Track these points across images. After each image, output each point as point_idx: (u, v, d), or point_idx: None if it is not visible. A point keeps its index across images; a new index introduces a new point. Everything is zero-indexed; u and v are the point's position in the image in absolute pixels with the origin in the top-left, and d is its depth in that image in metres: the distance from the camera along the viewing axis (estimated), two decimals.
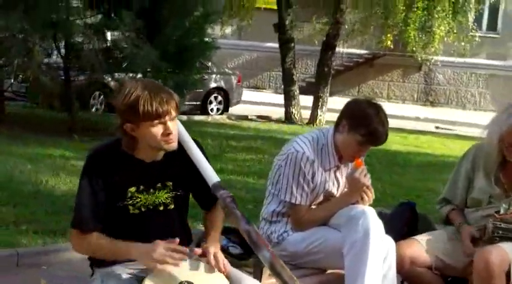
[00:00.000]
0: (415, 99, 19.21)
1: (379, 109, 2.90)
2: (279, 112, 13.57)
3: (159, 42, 8.58)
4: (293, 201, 2.95)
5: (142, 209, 2.36)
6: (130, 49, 8.23)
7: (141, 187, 2.35)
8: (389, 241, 2.84)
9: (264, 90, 19.63)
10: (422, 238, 3.11)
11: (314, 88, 13.24)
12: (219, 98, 13.50)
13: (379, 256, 2.75)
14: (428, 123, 15.69)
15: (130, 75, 8.59)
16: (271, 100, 16.47)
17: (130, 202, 2.34)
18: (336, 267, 2.94)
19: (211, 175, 2.33)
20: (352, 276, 2.72)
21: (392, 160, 9.14)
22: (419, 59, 17.81)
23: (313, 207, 3.03)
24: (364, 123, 2.85)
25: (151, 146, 2.32)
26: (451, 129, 14.86)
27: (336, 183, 3.05)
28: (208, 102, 13.24)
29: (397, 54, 17.82)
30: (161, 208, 2.40)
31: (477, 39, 16.84)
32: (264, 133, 10.84)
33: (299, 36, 15.38)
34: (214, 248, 2.39)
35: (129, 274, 2.34)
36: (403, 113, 16.70)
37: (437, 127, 15.22)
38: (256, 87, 19.09)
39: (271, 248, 2.16)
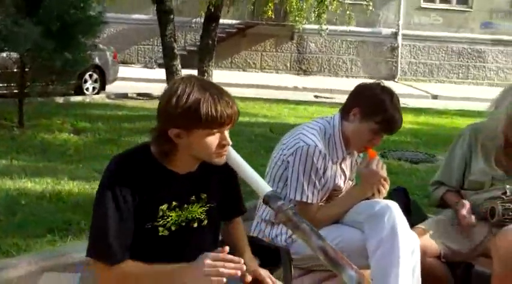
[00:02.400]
0: (289, 68, 19.51)
1: (392, 94, 2.75)
2: (159, 89, 13.03)
3: (41, 18, 7.81)
4: (304, 200, 2.74)
5: (173, 228, 2.04)
6: (10, 26, 7.39)
7: (174, 203, 2.03)
8: (414, 236, 2.72)
9: (132, 65, 18.91)
10: (427, 226, 3.05)
11: (196, 62, 12.90)
12: (95, 76, 12.72)
13: (408, 254, 2.62)
14: (306, 93, 16.00)
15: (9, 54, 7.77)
16: (147, 76, 15.90)
17: (161, 222, 2.02)
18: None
19: (262, 186, 2.05)
20: (382, 277, 2.56)
21: None
22: (292, 28, 18.02)
23: (321, 204, 2.83)
24: (380, 110, 2.69)
25: (196, 157, 2.00)
26: (329, 98, 15.25)
27: (343, 176, 2.88)
28: (83, 81, 12.42)
29: (271, 24, 17.90)
30: (195, 224, 2.10)
31: (347, 6, 17.33)
32: (154, 113, 10.33)
33: (179, 7, 14.86)
34: (263, 271, 2.13)
35: None
36: (280, 83, 16.93)
37: (316, 96, 15.56)
38: (124, 62, 18.28)
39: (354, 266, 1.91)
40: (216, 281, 1.83)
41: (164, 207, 2.00)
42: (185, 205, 2.05)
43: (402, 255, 2.58)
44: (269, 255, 2.50)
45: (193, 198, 2.07)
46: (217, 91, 1.94)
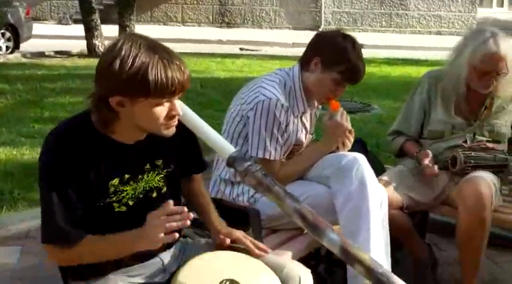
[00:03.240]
0: (211, 21, 19.09)
1: (354, 41, 2.64)
2: (79, 46, 12.52)
3: None
4: (267, 157, 2.61)
5: (130, 203, 1.86)
6: None
7: (127, 176, 1.84)
8: (382, 188, 2.67)
9: (46, 22, 18.01)
10: (389, 178, 3.01)
11: (114, 17, 12.36)
12: (7, 35, 11.98)
13: (378, 206, 2.57)
14: (231, 45, 15.74)
15: None
16: (62, 33, 15.17)
17: (114, 198, 1.83)
18: None
19: (225, 146, 1.89)
20: (353, 231, 2.49)
21: (228, 88, 8.95)
22: None
23: (283, 160, 2.72)
24: (343, 59, 2.58)
25: (141, 128, 1.80)
26: (255, 50, 15.08)
27: (304, 130, 2.78)
28: None
29: None
30: (154, 194, 1.92)
31: None
32: (77, 71, 9.91)
33: None
34: (237, 232, 2.01)
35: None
36: (203, 36, 16.59)
37: (241, 49, 15.34)
38: (37, 19, 17.32)
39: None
40: (165, 238, 1.69)
41: (115, 181, 1.81)
42: (140, 176, 1.86)
43: (372, 208, 2.53)
44: (234, 216, 2.38)
45: (147, 166, 1.88)
46: (167, 54, 1.70)
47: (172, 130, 1.81)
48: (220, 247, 2.08)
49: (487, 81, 2.90)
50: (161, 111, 1.73)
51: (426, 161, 2.93)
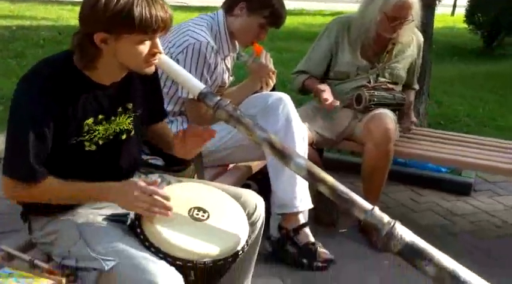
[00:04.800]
0: None
1: None
2: None
3: None
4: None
5: (101, 142, 1.93)
6: None
7: (100, 116, 1.91)
8: (303, 125, 2.92)
9: None
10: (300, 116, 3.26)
11: None
12: None
13: (301, 141, 2.83)
14: None
15: None
16: None
17: (87, 137, 1.89)
18: (248, 159, 2.92)
19: (195, 84, 2.03)
20: (281, 166, 2.73)
21: None
22: None
23: None
24: (267, 4, 2.76)
25: (123, 66, 1.87)
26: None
27: (227, 72, 2.93)
28: None
29: None
30: (123, 136, 2.00)
31: None
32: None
33: None
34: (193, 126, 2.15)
35: (106, 217, 1.96)
36: None
37: None
38: None
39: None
40: (142, 212, 1.82)
41: (90, 121, 1.87)
42: (112, 118, 1.93)
43: (297, 143, 2.78)
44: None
45: (120, 109, 1.96)
46: None
47: (152, 69, 1.90)
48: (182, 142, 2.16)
49: (395, 26, 3.24)
50: (143, 48, 1.81)
51: (325, 95, 3.23)
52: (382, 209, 3.59)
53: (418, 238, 1.92)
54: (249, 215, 2.11)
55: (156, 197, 1.81)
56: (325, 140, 3.35)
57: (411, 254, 1.90)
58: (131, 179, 1.94)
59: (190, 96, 2.69)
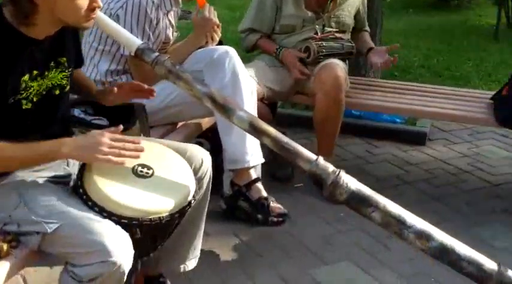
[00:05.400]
0: None
1: None
2: None
3: None
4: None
5: (35, 99, 1.87)
6: None
7: (35, 72, 1.84)
8: (251, 78, 2.90)
9: None
10: (249, 71, 3.24)
11: None
12: None
13: (249, 95, 2.81)
14: None
15: None
16: None
17: (24, 94, 1.83)
18: (197, 116, 2.89)
19: (132, 39, 1.99)
20: (228, 122, 2.71)
21: None
22: None
23: None
24: None
25: (60, 21, 1.81)
26: None
27: (171, 27, 2.88)
28: None
29: None
30: (57, 92, 1.95)
31: None
32: None
33: None
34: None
35: (47, 179, 1.92)
36: None
37: None
38: None
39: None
40: (109, 159, 1.77)
41: (26, 77, 1.80)
42: (46, 73, 1.88)
43: (245, 97, 2.76)
44: (119, 113, 2.46)
45: (52, 63, 1.90)
46: None
47: (91, 23, 1.85)
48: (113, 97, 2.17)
49: None
50: (83, 2, 1.76)
51: (297, 63, 3.24)
52: (337, 162, 3.69)
53: (363, 186, 1.93)
54: (196, 171, 2.10)
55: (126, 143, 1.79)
56: (276, 94, 3.34)
57: (357, 202, 1.92)
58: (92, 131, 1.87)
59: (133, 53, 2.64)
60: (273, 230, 2.91)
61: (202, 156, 2.16)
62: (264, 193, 2.88)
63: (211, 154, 3.05)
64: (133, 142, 1.83)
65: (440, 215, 3.18)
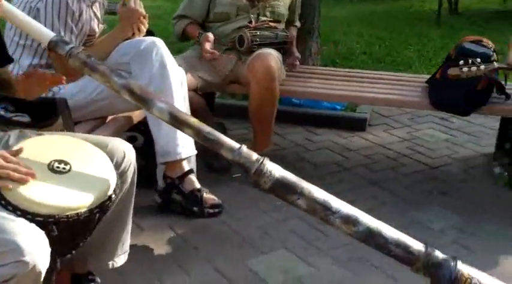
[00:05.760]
0: None
1: None
2: None
3: None
4: None
5: None
6: None
7: None
8: (180, 69, 2.86)
9: None
10: (181, 62, 3.20)
11: None
12: None
13: (179, 86, 2.78)
14: None
15: None
16: None
17: None
18: (127, 109, 2.83)
19: (44, 32, 1.93)
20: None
21: None
22: None
23: None
24: None
25: None
26: None
27: (96, 19, 2.81)
28: None
29: None
30: None
31: None
32: None
33: None
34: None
35: None
36: None
37: None
38: None
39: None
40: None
41: None
42: None
43: (174, 88, 2.72)
44: (41, 109, 2.40)
45: None
46: None
47: None
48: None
49: None
50: None
51: (207, 45, 3.19)
52: (277, 151, 3.69)
53: (288, 173, 1.91)
54: (118, 164, 2.05)
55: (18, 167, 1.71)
56: (210, 84, 3.31)
57: (282, 189, 1.90)
58: None
59: None
60: (209, 222, 2.88)
61: (124, 149, 2.10)
62: (197, 185, 2.85)
63: (145, 148, 3.04)
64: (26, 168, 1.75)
65: (378, 200, 3.21)
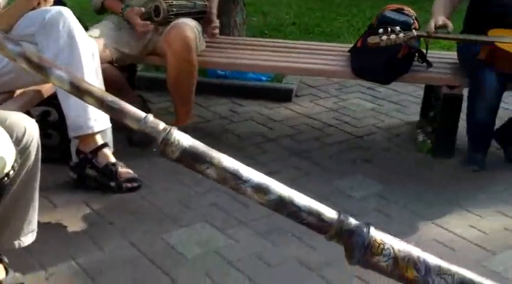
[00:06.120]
0: None
1: None
2: None
3: None
4: None
5: None
6: None
7: None
8: (91, 40, 2.76)
9: None
10: (96, 33, 3.10)
11: None
12: None
13: (90, 58, 2.67)
14: None
15: None
16: None
17: None
18: (36, 82, 2.71)
19: None
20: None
21: None
22: None
23: None
24: None
25: None
26: None
27: None
28: None
29: None
30: None
31: None
32: None
33: None
34: None
35: None
36: None
37: None
38: None
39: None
40: None
41: None
42: None
43: (84, 60, 2.62)
44: None
45: None
46: None
47: None
48: None
49: None
50: None
51: (139, 19, 3.10)
52: (201, 123, 3.64)
53: (197, 142, 1.85)
54: (18, 140, 1.95)
55: None
56: (126, 56, 3.21)
57: (191, 159, 1.83)
58: None
59: None
60: (127, 197, 2.81)
61: (25, 124, 2.01)
62: (112, 159, 2.77)
63: (60, 122, 2.93)
64: None
65: (302, 170, 3.20)
